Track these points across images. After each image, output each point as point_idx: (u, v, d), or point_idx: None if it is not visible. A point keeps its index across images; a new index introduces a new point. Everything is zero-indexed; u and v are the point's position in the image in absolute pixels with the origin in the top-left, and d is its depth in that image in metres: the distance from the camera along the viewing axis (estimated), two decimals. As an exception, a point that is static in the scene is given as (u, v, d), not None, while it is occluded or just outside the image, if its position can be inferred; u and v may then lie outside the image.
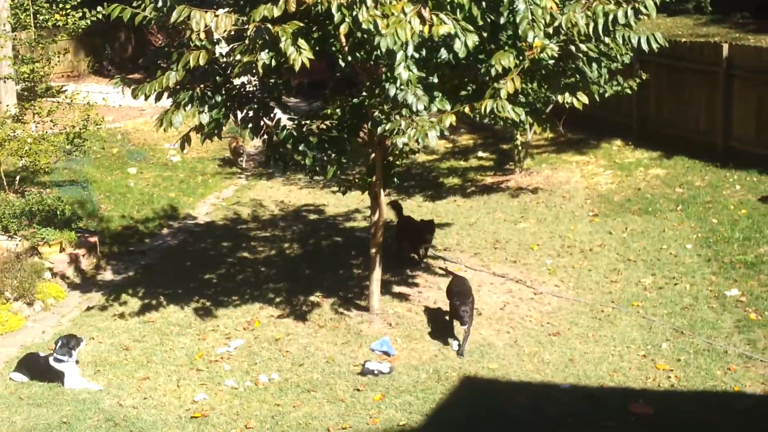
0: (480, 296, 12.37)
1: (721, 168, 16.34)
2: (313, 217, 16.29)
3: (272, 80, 11.06)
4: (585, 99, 10.42)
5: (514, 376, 10.36)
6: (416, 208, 16.34)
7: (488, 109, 9.58)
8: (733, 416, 9.30)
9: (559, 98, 10.67)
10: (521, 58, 9.85)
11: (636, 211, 15.14)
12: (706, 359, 10.42)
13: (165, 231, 15.78)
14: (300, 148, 11.04)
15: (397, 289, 12.71)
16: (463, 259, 13.80)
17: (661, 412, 9.44)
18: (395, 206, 14.02)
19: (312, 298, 12.59)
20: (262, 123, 11.19)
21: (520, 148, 17.51)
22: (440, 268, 13.38)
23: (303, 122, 11.45)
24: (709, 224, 14.16)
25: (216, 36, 10.05)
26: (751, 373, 10.06)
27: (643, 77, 17.05)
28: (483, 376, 10.42)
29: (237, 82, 10.94)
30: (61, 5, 18.36)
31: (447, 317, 11.40)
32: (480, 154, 19.34)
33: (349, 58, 10.14)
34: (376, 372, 10.45)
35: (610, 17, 9.69)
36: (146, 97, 10.35)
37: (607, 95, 15.79)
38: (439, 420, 9.53)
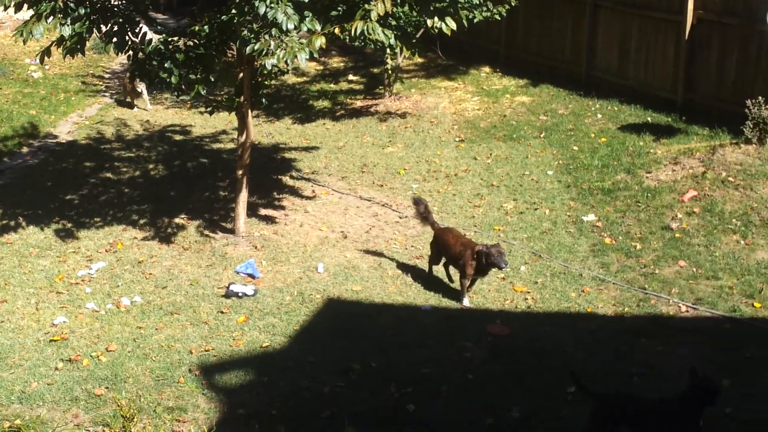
0: (346, 219, 12.48)
1: (584, 97, 16.73)
2: (179, 137, 16.03)
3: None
4: (453, 24, 10.43)
5: (377, 298, 10.54)
6: (285, 130, 16.26)
7: (358, 31, 9.54)
8: (586, 335, 9.68)
9: (429, 22, 10.66)
10: (392, -21, 9.80)
11: (501, 137, 15.42)
12: (561, 282, 10.79)
13: (24, 150, 15.29)
14: (166, 65, 10.83)
15: (263, 211, 12.69)
16: (331, 182, 13.85)
17: (518, 332, 9.77)
18: (419, 206, 11.07)
19: (177, 220, 12.47)
20: (127, 38, 10.90)
21: (390, 72, 17.54)
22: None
23: (170, 39, 11.20)
24: (570, 151, 14.54)
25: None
26: (604, 295, 10.47)
27: (512, 4, 17.20)
28: (347, 298, 10.56)
29: (102, -6, 10.62)
30: None
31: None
32: (350, 77, 19.31)
33: (218, -26, 9.94)
34: (240, 294, 10.47)
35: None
36: (5, 8, 9.96)
37: (476, 21, 15.92)
38: (302, 341, 9.64)
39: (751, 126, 13.14)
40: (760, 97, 13.19)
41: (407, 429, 8.03)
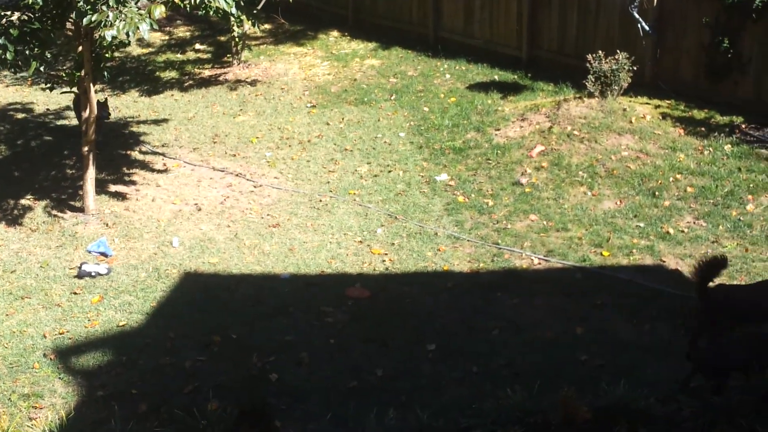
0: (199, 191, 12.32)
1: (432, 58, 16.86)
2: (21, 116, 15.43)
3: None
4: None
5: (235, 269, 10.45)
6: (132, 103, 15.87)
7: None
8: (443, 293, 9.85)
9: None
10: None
11: (352, 101, 15.44)
12: (418, 242, 10.92)
13: None
14: (0, 41, 10.40)
15: (113, 188, 12.39)
16: (183, 154, 13.61)
17: (377, 294, 9.86)
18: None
19: (23, 201, 12.05)
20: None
21: (237, 40, 17.29)
22: None
23: (2, 13, 10.74)
24: (421, 113, 14.67)
25: None
26: (459, 252, 10.65)
27: (357, -33, 17.22)
28: (204, 271, 10.44)
29: None
30: None
31: None
32: (197, 46, 18.93)
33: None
34: (93, 274, 10.23)
35: None
36: None
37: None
38: (160, 317, 9.50)
39: (593, 80, 13.51)
40: (600, 52, 13.57)
41: (272, 398, 8.02)
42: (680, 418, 6.96)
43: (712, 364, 7.30)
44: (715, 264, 7.72)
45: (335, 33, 18.75)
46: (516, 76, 15.54)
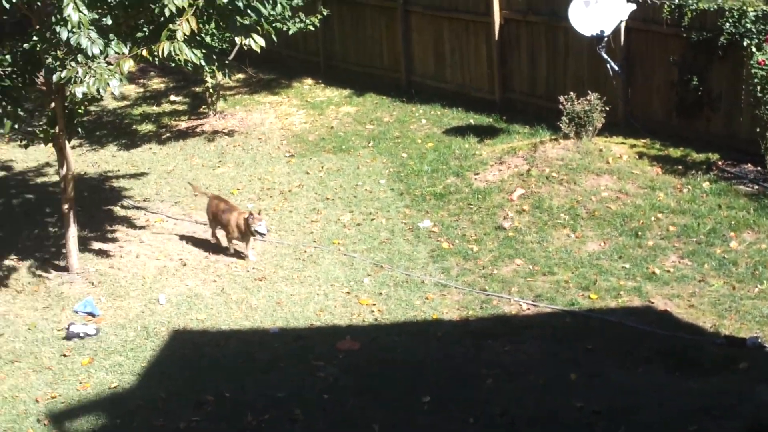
0: (184, 246, 12.32)
1: (407, 103, 16.99)
2: (0, 174, 15.38)
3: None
4: (261, 41, 10.24)
5: (224, 325, 10.44)
6: (111, 158, 15.86)
7: (165, 52, 9.46)
8: (434, 342, 9.88)
9: (237, 39, 10.52)
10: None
11: (330, 149, 15.51)
12: (405, 291, 10.96)
13: None
14: (-29, 99, 10.40)
15: (97, 245, 12.35)
16: (164, 208, 13.61)
17: (367, 345, 9.87)
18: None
19: (7, 262, 11.97)
20: None
21: (211, 90, 17.34)
22: None
23: (-28, 72, 10.75)
24: (399, 159, 14.76)
25: None
26: (447, 300, 10.70)
27: (324, 13, 17.30)
28: (193, 327, 10.41)
29: None
30: None
31: None
32: (173, 98, 18.98)
33: (13, -1, 9.59)
34: (81, 335, 10.17)
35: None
36: None
37: (291, 33, 16.03)
38: (152, 377, 9.46)
39: (567, 121, 13.68)
40: (571, 93, 13.76)
41: (269, 457, 8.00)
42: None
43: None
44: None
45: (309, 81, 18.86)
46: (491, 119, 15.69)
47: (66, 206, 11.48)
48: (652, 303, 10.09)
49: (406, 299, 10.76)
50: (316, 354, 9.74)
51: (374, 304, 10.70)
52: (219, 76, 16.78)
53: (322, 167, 14.78)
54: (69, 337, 10.17)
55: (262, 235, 11.73)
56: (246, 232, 11.74)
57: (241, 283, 11.34)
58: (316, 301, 10.84)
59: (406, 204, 13.22)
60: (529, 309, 10.36)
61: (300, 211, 13.31)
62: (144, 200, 13.95)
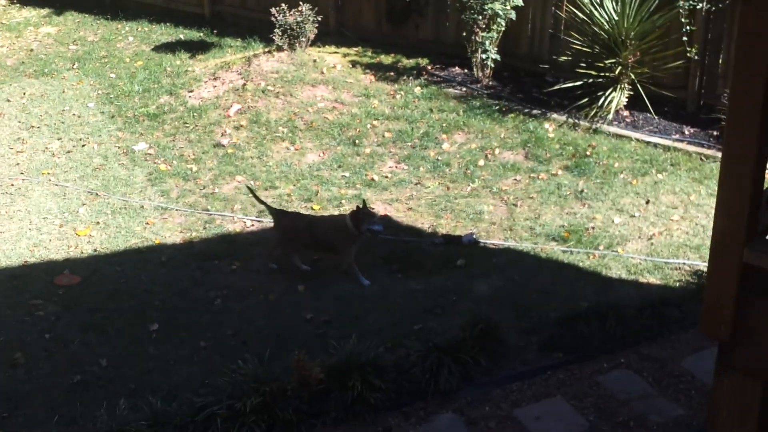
0: None
1: (112, 20, 16.19)
2: None
3: None
4: None
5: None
6: None
7: None
8: (158, 268, 9.55)
9: None
10: None
11: (32, 74, 14.54)
12: (124, 217, 10.53)
13: None
14: None
15: None
16: None
17: (88, 278, 9.43)
18: None
19: None
20: None
21: None
22: None
23: None
24: (108, 80, 14.07)
25: None
26: (169, 223, 10.38)
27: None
28: None
29: None
30: None
31: None
32: None
33: None
34: None
35: None
36: None
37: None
38: None
39: (280, 33, 13.51)
40: (283, 4, 13.57)
41: (-11, 407, 7.50)
42: (409, 363, 7.24)
43: None
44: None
45: (2, 1, 17.54)
46: (202, 34, 15.27)
47: None
48: (373, 208, 10.24)
49: (125, 226, 10.34)
50: (34, 292, 9.19)
51: (92, 235, 10.21)
52: None
53: (24, 93, 13.85)
54: None
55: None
56: None
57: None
58: (28, 237, 10.21)
59: (119, 127, 12.66)
60: (253, 225, 10.25)
61: (3, 141, 12.43)
62: None
